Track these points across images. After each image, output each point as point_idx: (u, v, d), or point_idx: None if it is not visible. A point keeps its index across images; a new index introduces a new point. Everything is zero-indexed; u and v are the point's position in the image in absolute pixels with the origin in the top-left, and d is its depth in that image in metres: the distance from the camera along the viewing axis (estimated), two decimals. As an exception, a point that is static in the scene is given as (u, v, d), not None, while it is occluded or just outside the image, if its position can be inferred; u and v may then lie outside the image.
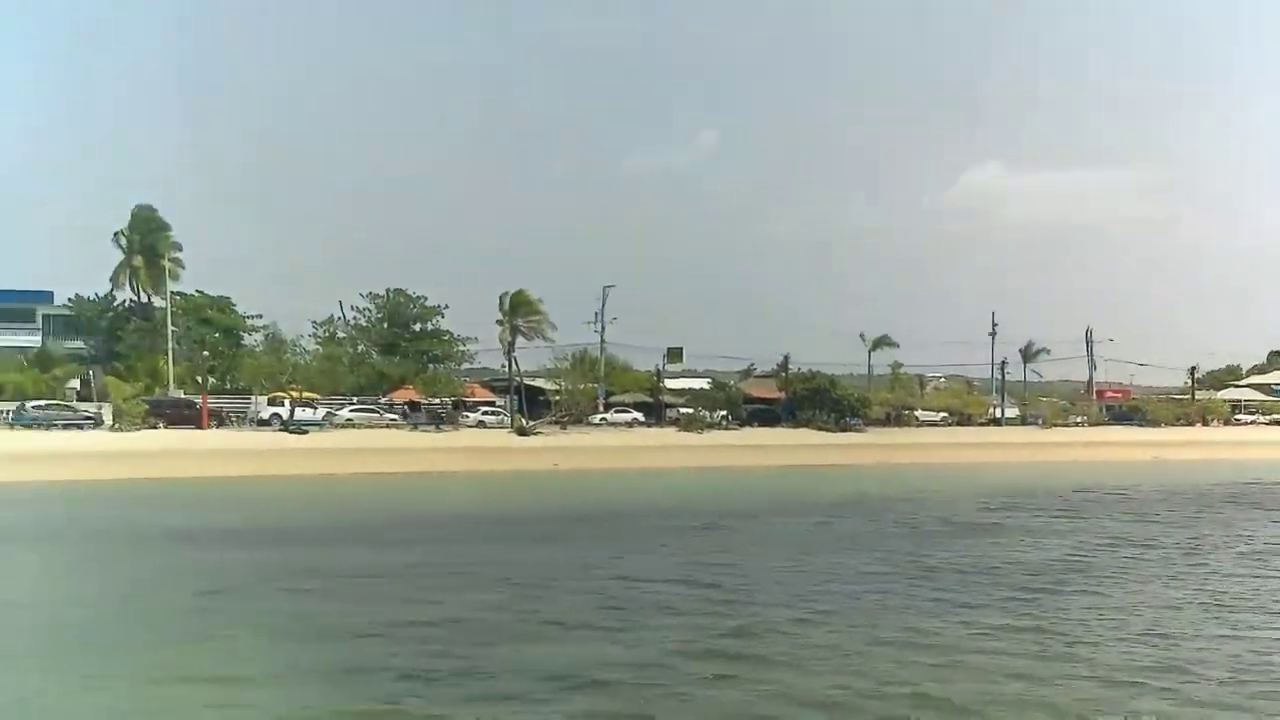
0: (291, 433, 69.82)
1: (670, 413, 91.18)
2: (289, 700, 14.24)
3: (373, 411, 79.65)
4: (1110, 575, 24.37)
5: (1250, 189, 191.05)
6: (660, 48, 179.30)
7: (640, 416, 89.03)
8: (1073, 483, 52.29)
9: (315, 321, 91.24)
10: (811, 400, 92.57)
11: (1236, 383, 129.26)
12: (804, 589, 22.18)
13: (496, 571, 24.22)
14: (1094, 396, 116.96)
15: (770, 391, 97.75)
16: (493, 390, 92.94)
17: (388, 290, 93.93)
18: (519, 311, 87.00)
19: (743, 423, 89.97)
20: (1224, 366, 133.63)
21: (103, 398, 73.26)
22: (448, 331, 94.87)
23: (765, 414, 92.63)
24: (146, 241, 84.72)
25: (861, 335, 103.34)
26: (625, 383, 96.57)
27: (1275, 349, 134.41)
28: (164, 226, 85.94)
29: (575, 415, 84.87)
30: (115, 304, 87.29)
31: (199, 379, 78.50)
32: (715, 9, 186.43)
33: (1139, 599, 21.41)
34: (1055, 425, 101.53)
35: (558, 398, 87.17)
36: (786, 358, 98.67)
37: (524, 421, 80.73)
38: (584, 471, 58.37)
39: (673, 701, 14.20)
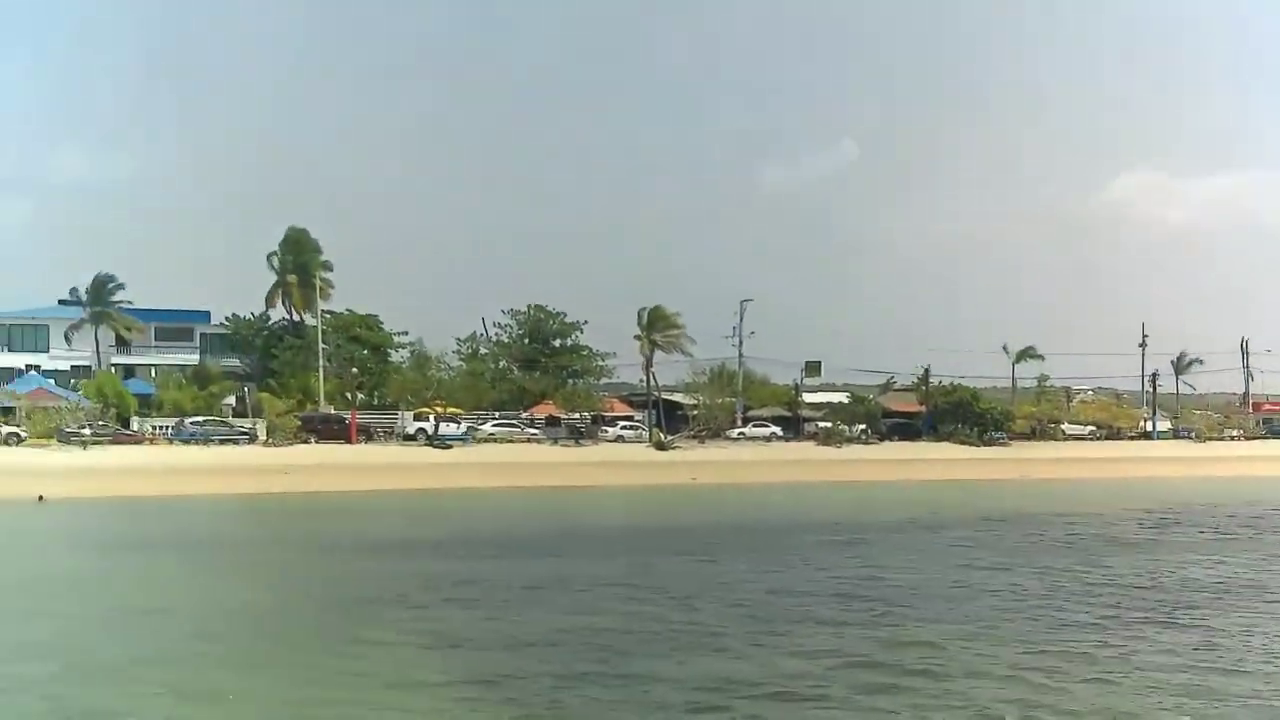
0: (436, 447, 71.39)
1: (808, 427, 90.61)
2: (453, 706, 14.65)
3: (514, 426, 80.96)
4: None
5: None
6: (791, 61, 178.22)
7: (778, 431, 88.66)
8: (1229, 499, 50.57)
9: (459, 338, 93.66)
10: (953, 414, 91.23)
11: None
12: (958, 603, 21.98)
13: (647, 583, 24.54)
14: (1250, 409, 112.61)
15: (910, 405, 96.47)
16: (631, 405, 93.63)
17: (528, 307, 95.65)
18: (657, 326, 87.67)
19: (882, 437, 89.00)
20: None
21: (257, 413, 75.90)
22: (587, 347, 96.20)
23: (905, 428, 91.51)
24: (298, 262, 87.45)
25: (1005, 347, 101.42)
26: (763, 397, 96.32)
27: None
28: (315, 247, 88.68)
29: (713, 429, 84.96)
30: (269, 323, 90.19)
31: (348, 395, 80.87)
32: (842, 18, 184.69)
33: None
34: (1209, 439, 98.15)
35: (696, 412, 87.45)
36: (927, 370, 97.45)
37: (662, 436, 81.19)
38: (722, 486, 58.46)
39: (829, 713, 14.23)
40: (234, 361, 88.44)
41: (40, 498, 44.63)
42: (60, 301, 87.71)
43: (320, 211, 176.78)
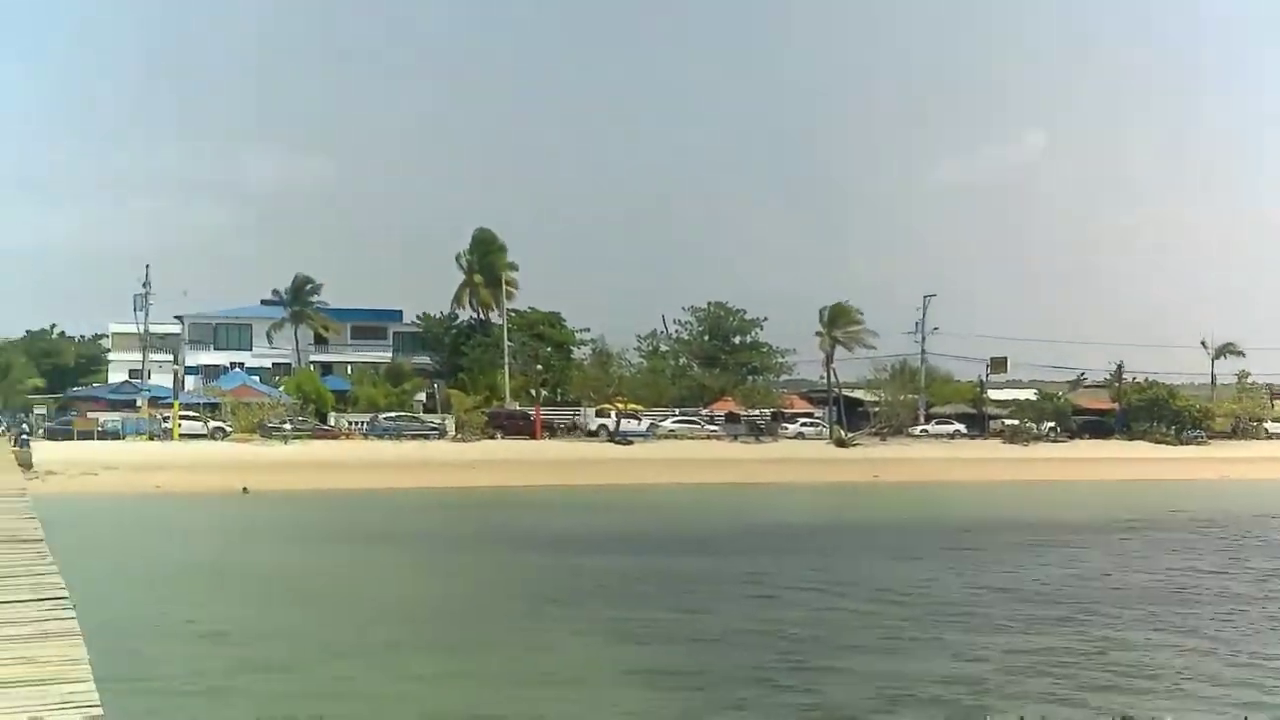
0: (617, 443, 72.44)
1: (994, 424, 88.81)
2: (638, 700, 14.98)
3: (694, 423, 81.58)
4: None
5: None
6: (973, 51, 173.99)
7: (962, 428, 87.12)
8: None
9: (640, 335, 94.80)
10: (1148, 411, 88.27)
11: None
12: (1172, 607, 21.43)
13: (833, 580, 24.60)
14: None
15: (1102, 402, 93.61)
16: (811, 402, 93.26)
17: (709, 304, 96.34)
18: (838, 323, 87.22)
19: (1072, 435, 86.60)
20: None
21: (446, 409, 78.28)
22: (767, 344, 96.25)
23: (1097, 426, 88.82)
24: (485, 262, 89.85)
25: (1203, 342, 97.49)
26: (947, 394, 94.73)
27: None
28: (501, 248, 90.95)
29: (895, 426, 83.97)
30: (457, 321, 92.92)
31: (532, 392, 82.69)
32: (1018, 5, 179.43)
33: None
34: None
35: (877, 409, 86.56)
36: (1120, 366, 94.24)
37: (843, 433, 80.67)
38: (905, 484, 57.75)
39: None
40: (424, 359, 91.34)
41: (244, 490, 46.91)
42: (263, 302, 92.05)
43: (507, 211, 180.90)
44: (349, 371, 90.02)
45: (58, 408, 77.58)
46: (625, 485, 53.06)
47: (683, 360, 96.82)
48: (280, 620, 20.42)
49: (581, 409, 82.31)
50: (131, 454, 56.50)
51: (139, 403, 74.63)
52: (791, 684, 15.41)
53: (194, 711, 14.17)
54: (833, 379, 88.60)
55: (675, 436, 77.53)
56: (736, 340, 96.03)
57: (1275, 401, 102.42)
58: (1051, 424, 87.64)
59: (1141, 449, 79.48)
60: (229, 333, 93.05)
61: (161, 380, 77.15)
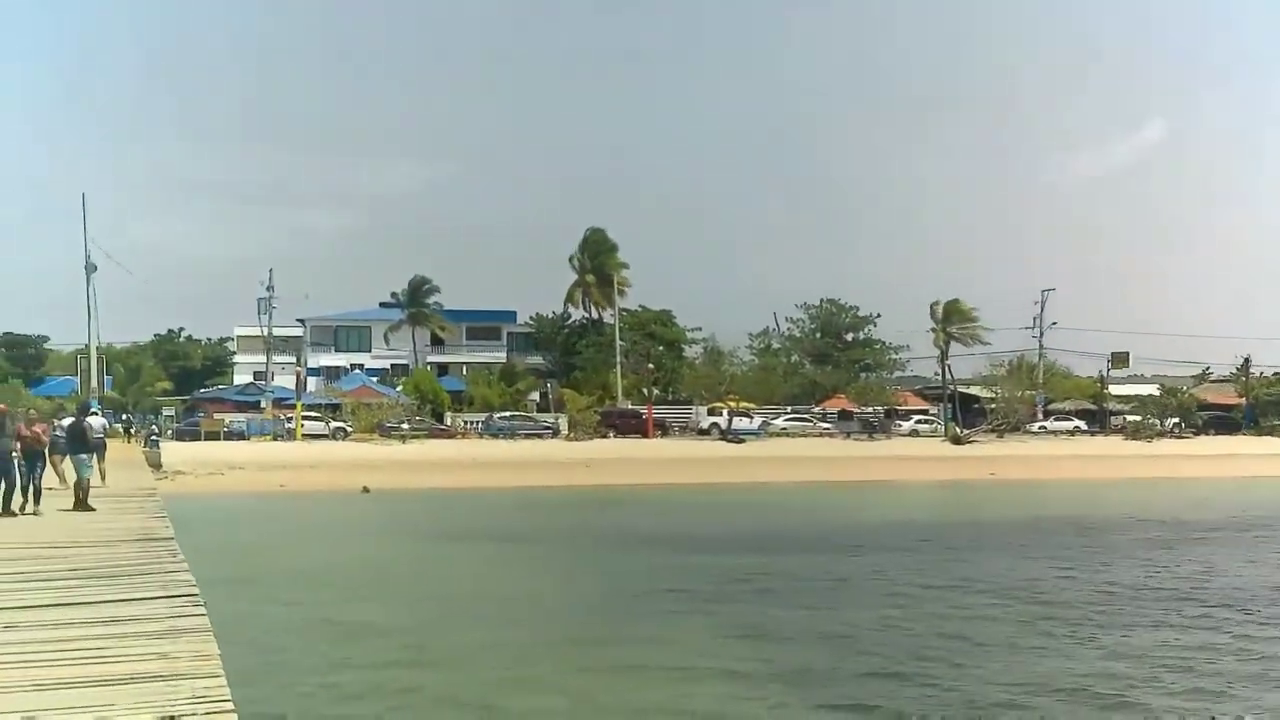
0: (729, 441, 72.38)
1: (1115, 420, 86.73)
2: (755, 698, 15.01)
3: (806, 420, 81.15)
4: None
5: None
6: (1100, 39, 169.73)
7: (1082, 425, 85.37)
8: None
9: (751, 333, 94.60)
10: (1278, 406, 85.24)
11: None
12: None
13: (953, 578, 24.42)
14: None
15: (1229, 397, 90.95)
16: (925, 399, 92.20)
17: (821, 300, 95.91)
18: (952, 319, 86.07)
19: (1197, 431, 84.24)
20: None
21: (559, 409, 79.03)
22: (880, 340, 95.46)
23: (1223, 421, 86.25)
24: (596, 261, 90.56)
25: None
26: (1066, 389, 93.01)
27: None
28: (612, 247, 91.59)
29: (1012, 423, 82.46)
30: (569, 321, 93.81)
31: (644, 390, 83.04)
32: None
33: None
34: None
35: (994, 405, 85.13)
36: (1247, 360, 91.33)
37: (958, 430, 79.55)
38: (1023, 481, 56.67)
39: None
40: (538, 359, 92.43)
41: (365, 489, 47.97)
42: (381, 304, 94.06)
43: (618, 210, 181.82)
44: (464, 372, 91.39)
45: (185, 409, 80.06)
46: (738, 484, 52.97)
47: (795, 358, 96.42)
48: (416, 616, 20.81)
49: (694, 407, 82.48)
50: (256, 454, 58.17)
51: (263, 404, 76.74)
52: (923, 683, 15.34)
53: (330, 709, 14.47)
54: (947, 375, 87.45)
55: (787, 434, 77.27)
56: (849, 337, 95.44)
57: None
58: (1175, 420, 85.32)
59: (1272, 444, 76.82)
60: (349, 335, 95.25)
61: (284, 382, 79.21)
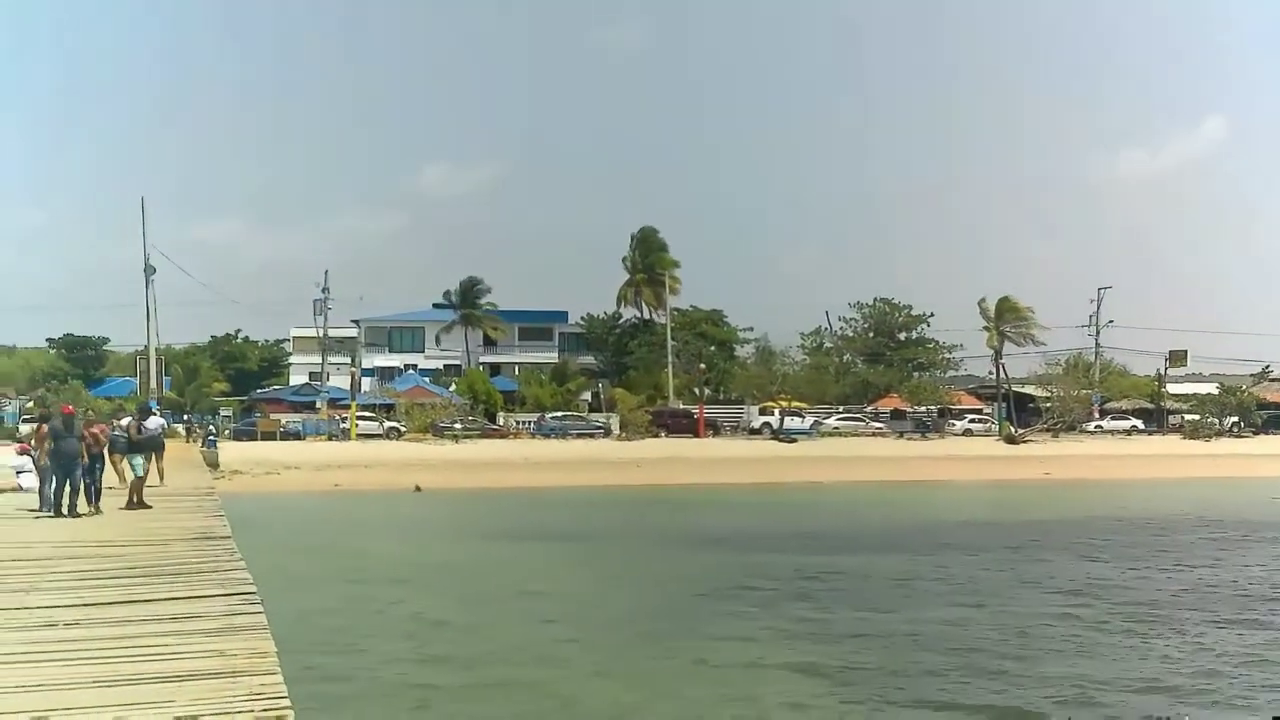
0: (781, 441, 72.19)
1: (1173, 419, 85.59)
2: (843, 693, 15.09)
3: (858, 420, 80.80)
4: None
5: None
6: (1150, 37, 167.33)
7: (1139, 424, 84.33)
8: None
9: (803, 333, 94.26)
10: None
11: None
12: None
13: (1010, 580, 24.32)
14: None
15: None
16: (979, 398, 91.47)
17: (874, 299, 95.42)
18: (1005, 318, 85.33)
19: (1256, 430, 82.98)
20: None
21: (611, 408, 79.17)
22: (933, 339, 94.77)
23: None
24: (647, 261, 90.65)
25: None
26: (1122, 388, 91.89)
27: None
28: (663, 246, 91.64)
29: (1067, 422, 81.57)
30: (620, 321, 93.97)
31: (696, 390, 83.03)
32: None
33: None
34: None
35: (1049, 404, 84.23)
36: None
37: (1012, 429, 78.85)
38: (1078, 481, 56.11)
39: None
40: (589, 359, 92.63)
41: (417, 488, 48.32)
42: (434, 305, 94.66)
43: (669, 210, 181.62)
44: (516, 372, 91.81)
45: (242, 409, 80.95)
46: (791, 483, 52.84)
47: (847, 357, 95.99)
48: (477, 615, 20.99)
49: (745, 407, 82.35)
50: (312, 454, 58.79)
51: (318, 404, 77.48)
52: (987, 683, 15.32)
53: (384, 710, 14.60)
54: (1002, 374, 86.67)
55: (839, 434, 76.95)
56: (902, 336, 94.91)
57: None
58: (1234, 419, 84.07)
59: (1335, 444, 75.63)
60: (402, 336, 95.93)
61: (339, 382, 79.96)
